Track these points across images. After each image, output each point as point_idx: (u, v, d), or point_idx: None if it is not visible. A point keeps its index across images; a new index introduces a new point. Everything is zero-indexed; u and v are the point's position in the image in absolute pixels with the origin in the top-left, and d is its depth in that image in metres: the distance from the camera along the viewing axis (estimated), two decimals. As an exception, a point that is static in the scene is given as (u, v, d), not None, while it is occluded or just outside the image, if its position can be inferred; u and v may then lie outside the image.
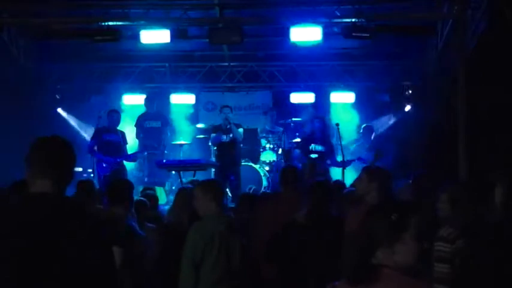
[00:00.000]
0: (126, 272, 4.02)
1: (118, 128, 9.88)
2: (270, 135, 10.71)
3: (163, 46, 9.25)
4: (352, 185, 6.13)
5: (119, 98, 11.73)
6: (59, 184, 2.40)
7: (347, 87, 11.69)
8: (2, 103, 9.04)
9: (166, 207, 8.00)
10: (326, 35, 8.72)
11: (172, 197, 9.90)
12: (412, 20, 9.50)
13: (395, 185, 5.60)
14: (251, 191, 9.39)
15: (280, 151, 10.43)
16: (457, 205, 3.89)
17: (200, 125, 11.17)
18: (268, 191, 9.13)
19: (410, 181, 5.54)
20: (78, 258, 2.25)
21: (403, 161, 9.58)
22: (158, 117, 10.91)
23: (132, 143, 10.51)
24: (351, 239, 4.32)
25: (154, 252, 4.79)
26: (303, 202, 4.91)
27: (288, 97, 11.85)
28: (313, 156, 9.39)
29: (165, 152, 10.63)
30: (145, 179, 10.17)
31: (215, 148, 10.11)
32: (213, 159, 10.05)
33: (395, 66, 11.38)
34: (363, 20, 8.81)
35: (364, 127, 10.76)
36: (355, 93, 11.65)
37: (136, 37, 8.84)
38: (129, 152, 10.03)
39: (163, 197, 9.98)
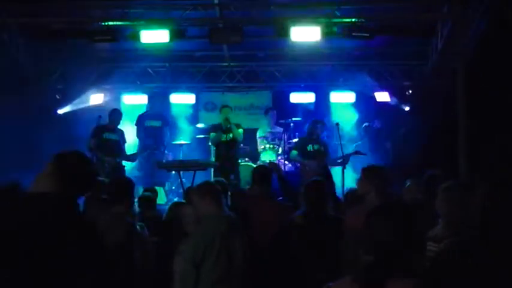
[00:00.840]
0: (127, 270, 4.02)
1: (118, 127, 9.90)
2: (270, 135, 10.70)
3: (163, 46, 9.25)
4: None
5: (119, 98, 11.75)
6: (62, 186, 2.41)
7: (347, 87, 11.71)
8: (1, 103, 9.03)
9: (167, 208, 8.00)
10: (326, 35, 8.72)
11: (172, 197, 9.96)
12: (412, 20, 9.50)
13: (396, 185, 5.62)
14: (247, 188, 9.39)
15: (280, 151, 10.43)
16: (450, 204, 3.89)
17: (200, 125, 11.17)
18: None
19: (409, 181, 5.54)
20: (73, 257, 2.25)
21: (402, 160, 9.59)
22: (158, 117, 10.93)
23: (132, 142, 10.53)
24: (351, 238, 4.32)
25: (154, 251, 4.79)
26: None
27: (288, 97, 11.86)
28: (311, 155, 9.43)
29: (165, 152, 10.64)
30: (145, 179, 10.17)
31: (215, 148, 10.11)
32: (213, 159, 10.04)
33: (395, 66, 11.38)
34: (363, 20, 8.81)
35: (365, 126, 10.81)
36: (355, 93, 11.66)
37: (136, 37, 8.83)
38: (128, 151, 10.04)
39: (163, 197, 9.99)
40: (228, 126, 9.79)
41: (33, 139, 9.44)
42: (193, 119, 11.87)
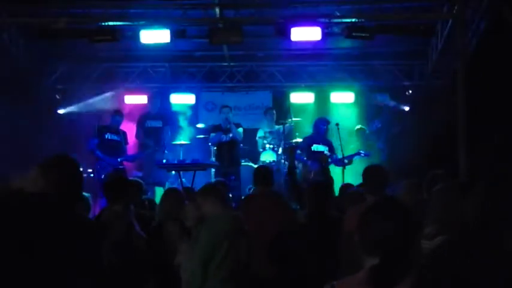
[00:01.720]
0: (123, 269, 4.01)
1: (120, 128, 9.91)
2: (270, 135, 10.70)
3: (163, 46, 9.25)
4: None
5: (119, 98, 11.74)
6: (55, 186, 2.42)
7: (347, 87, 11.70)
8: (1, 103, 9.03)
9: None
10: (326, 35, 8.72)
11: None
12: (412, 20, 9.50)
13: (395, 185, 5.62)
14: (251, 191, 9.39)
15: (280, 151, 10.42)
16: (443, 202, 3.90)
17: (200, 125, 11.16)
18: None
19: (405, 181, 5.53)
20: (66, 257, 2.25)
21: (402, 160, 9.58)
22: (159, 117, 10.92)
23: (132, 142, 10.53)
24: (351, 238, 4.32)
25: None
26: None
27: (288, 97, 11.86)
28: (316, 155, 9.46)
29: (165, 152, 10.64)
30: (145, 179, 10.17)
31: (215, 148, 10.11)
32: (213, 159, 10.04)
33: (395, 66, 11.38)
34: (363, 20, 8.81)
35: (357, 129, 10.85)
36: (355, 93, 11.66)
37: (136, 37, 8.83)
38: (129, 151, 10.05)
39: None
40: (228, 126, 9.79)
41: (33, 139, 9.43)
42: (193, 119, 11.86)
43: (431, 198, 3.96)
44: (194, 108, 12.05)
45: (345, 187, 6.97)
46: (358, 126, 10.97)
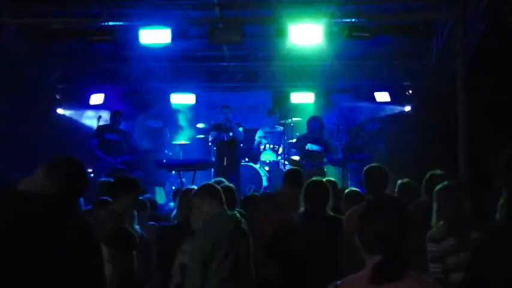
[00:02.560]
0: (122, 271, 4.01)
1: (119, 127, 9.92)
2: (270, 135, 10.71)
3: (163, 46, 9.25)
4: None
5: (119, 98, 11.75)
6: (57, 188, 2.43)
7: (346, 87, 11.70)
8: (1, 103, 9.03)
9: (166, 208, 8.02)
10: (326, 35, 8.71)
11: (171, 197, 9.95)
12: (412, 20, 9.49)
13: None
14: (251, 191, 9.40)
15: (280, 151, 10.43)
16: (448, 204, 3.90)
17: (200, 125, 11.17)
18: (267, 191, 9.17)
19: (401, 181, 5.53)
20: (67, 258, 2.25)
21: (402, 160, 9.58)
22: (159, 117, 10.93)
23: (132, 142, 10.54)
24: (350, 238, 4.32)
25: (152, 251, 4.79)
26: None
27: (288, 97, 11.86)
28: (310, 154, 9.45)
29: (165, 152, 10.64)
30: (145, 179, 10.18)
31: (215, 148, 10.11)
32: (213, 158, 10.05)
33: (395, 66, 11.37)
34: (363, 20, 8.80)
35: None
36: (355, 93, 11.66)
37: (136, 37, 8.83)
38: (129, 152, 10.06)
39: (163, 197, 10.00)
40: (228, 126, 9.80)
41: (33, 139, 9.43)
42: (193, 119, 11.87)
43: (438, 199, 3.96)
44: (194, 108, 12.05)
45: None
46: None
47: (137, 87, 11.82)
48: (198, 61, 11.52)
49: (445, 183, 4.05)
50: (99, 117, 9.71)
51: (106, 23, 8.81)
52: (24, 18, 9.05)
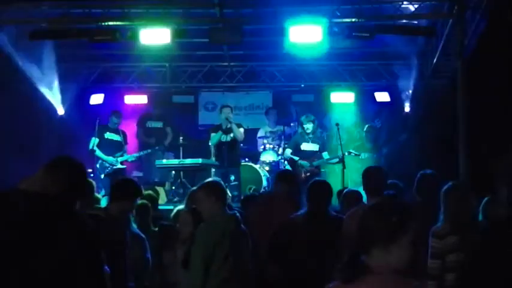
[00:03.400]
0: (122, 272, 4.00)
1: (119, 127, 9.92)
2: (270, 135, 10.70)
3: (163, 46, 9.25)
4: None
5: (119, 98, 11.75)
6: (57, 188, 2.43)
7: (347, 87, 11.71)
8: (1, 103, 9.04)
9: (166, 207, 8.01)
10: (326, 35, 8.71)
11: (172, 197, 9.95)
12: (412, 20, 9.49)
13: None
14: (251, 191, 9.40)
15: (280, 151, 10.43)
16: (450, 202, 3.91)
17: (200, 125, 11.17)
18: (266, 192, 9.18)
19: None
20: (67, 257, 2.26)
21: (402, 160, 9.59)
22: (159, 117, 10.93)
23: (132, 142, 10.54)
24: (349, 239, 4.33)
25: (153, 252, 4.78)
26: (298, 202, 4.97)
27: (288, 97, 11.86)
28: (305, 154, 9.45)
29: (165, 152, 10.65)
30: (145, 179, 10.18)
31: (215, 148, 10.11)
32: (213, 159, 10.04)
33: (395, 66, 11.37)
34: (363, 20, 8.80)
35: (368, 127, 10.84)
36: (355, 93, 11.67)
37: (136, 37, 8.83)
38: (128, 151, 10.06)
39: (163, 197, 9.99)
40: (229, 126, 9.79)
41: (33, 139, 9.44)
42: (193, 119, 11.87)
43: (442, 198, 3.97)
44: (194, 108, 12.05)
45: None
46: (368, 125, 10.99)
47: (137, 87, 11.83)
48: (198, 61, 11.52)
49: (451, 183, 4.06)
50: (99, 117, 9.70)
51: (106, 23, 8.81)
52: (24, 18, 9.05)
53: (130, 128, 10.72)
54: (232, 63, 11.50)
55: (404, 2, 8.97)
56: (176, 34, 8.76)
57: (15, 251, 2.24)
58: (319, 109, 11.74)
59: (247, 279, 4.34)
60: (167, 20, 8.85)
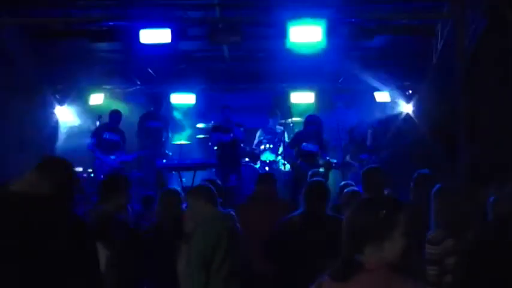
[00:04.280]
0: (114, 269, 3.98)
1: (118, 127, 9.92)
2: (270, 135, 10.70)
3: (163, 46, 9.24)
4: None
5: (119, 98, 11.76)
6: (48, 187, 2.44)
7: (346, 87, 11.71)
8: (1, 103, 9.04)
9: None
10: (326, 35, 8.71)
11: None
12: (412, 20, 9.49)
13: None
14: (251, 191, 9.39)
15: (280, 151, 10.43)
16: (445, 206, 3.90)
17: (200, 125, 11.16)
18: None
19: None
20: (62, 257, 2.26)
21: (402, 161, 9.58)
22: (159, 118, 10.93)
23: (132, 142, 10.54)
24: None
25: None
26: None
27: (288, 97, 11.86)
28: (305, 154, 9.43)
29: (165, 152, 10.65)
30: (145, 179, 10.18)
31: (215, 148, 10.11)
32: (214, 159, 10.05)
33: (395, 66, 11.37)
34: (363, 20, 8.80)
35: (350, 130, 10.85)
36: (355, 93, 11.67)
37: (136, 37, 8.83)
38: (128, 151, 10.06)
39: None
40: (229, 126, 9.80)
41: (32, 139, 9.43)
42: (193, 119, 11.87)
43: (436, 201, 3.96)
44: (194, 108, 12.05)
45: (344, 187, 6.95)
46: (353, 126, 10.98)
47: (137, 87, 11.83)
48: (198, 61, 11.52)
49: (439, 185, 4.04)
50: (99, 117, 9.70)
51: (106, 23, 8.80)
52: (24, 18, 9.05)
53: (129, 127, 10.71)
54: (232, 63, 11.49)
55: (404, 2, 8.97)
56: (176, 34, 8.75)
57: (11, 253, 2.24)
58: (319, 109, 11.73)
59: (246, 277, 4.34)
60: (167, 20, 8.85)
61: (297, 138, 9.74)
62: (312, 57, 10.48)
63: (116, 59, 10.98)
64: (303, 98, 11.87)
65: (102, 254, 3.64)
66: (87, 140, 9.83)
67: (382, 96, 11.61)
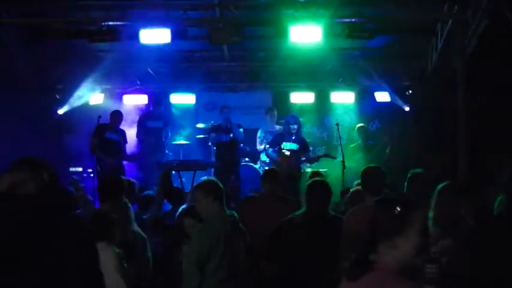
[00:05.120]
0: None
1: (119, 127, 9.92)
2: (270, 135, 10.69)
3: (163, 46, 9.25)
4: None
5: (119, 98, 11.75)
6: (44, 188, 2.42)
7: (347, 87, 11.71)
8: (1, 103, 9.04)
9: (166, 207, 8.00)
10: (326, 35, 8.71)
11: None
12: (412, 20, 9.49)
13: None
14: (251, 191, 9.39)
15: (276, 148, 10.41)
16: (440, 204, 3.90)
17: (200, 125, 11.16)
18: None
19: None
20: (60, 257, 2.25)
21: (402, 161, 9.58)
22: (159, 117, 10.93)
23: (132, 142, 10.53)
24: (350, 238, 4.33)
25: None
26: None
27: (288, 97, 11.86)
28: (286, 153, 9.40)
29: (165, 152, 10.65)
30: (145, 179, 10.17)
31: (215, 148, 10.11)
32: (213, 159, 10.04)
33: (395, 66, 11.38)
34: (363, 20, 8.80)
35: (359, 127, 10.82)
36: (355, 93, 11.67)
37: (136, 37, 8.83)
38: (128, 151, 10.05)
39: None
40: (229, 126, 9.79)
41: (33, 139, 9.43)
42: (193, 119, 11.87)
43: (433, 200, 3.96)
44: (194, 108, 12.05)
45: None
46: (359, 125, 10.95)
47: (137, 87, 11.83)
48: (198, 61, 11.52)
49: (441, 185, 4.04)
50: (99, 117, 9.70)
51: (106, 23, 8.81)
52: (24, 18, 9.05)
53: (129, 127, 10.70)
54: (232, 63, 11.50)
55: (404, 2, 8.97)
56: (176, 34, 8.75)
57: (11, 257, 2.23)
58: (319, 109, 11.74)
59: (243, 279, 4.33)
60: (167, 20, 8.85)
61: (276, 140, 9.69)
62: (312, 57, 10.51)
63: (116, 59, 10.98)
64: (303, 98, 11.87)
65: (104, 255, 3.65)
66: (88, 140, 9.81)
67: (382, 96, 11.61)
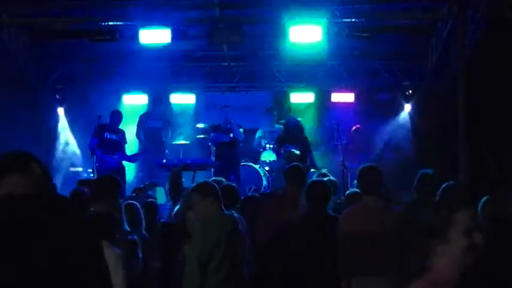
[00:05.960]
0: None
1: (119, 127, 9.92)
2: (270, 135, 10.70)
3: (163, 46, 9.25)
4: None
5: (119, 98, 11.74)
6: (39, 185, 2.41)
7: (347, 87, 11.71)
8: (1, 103, 9.04)
9: (166, 207, 8.01)
10: (326, 35, 8.72)
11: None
12: (412, 20, 9.50)
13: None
14: (251, 191, 9.39)
15: (282, 150, 10.42)
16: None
17: (200, 125, 11.15)
18: (267, 191, 9.16)
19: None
20: (64, 258, 2.25)
21: (402, 161, 9.58)
22: (159, 117, 10.92)
23: (132, 142, 10.53)
24: (346, 238, 4.35)
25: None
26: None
27: (288, 97, 11.86)
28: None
29: (165, 152, 10.64)
30: (145, 179, 10.18)
31: (215, 148, 10.11)
32: (213, 159, 10.04)
33: (395, 66, 11.37)
34: (363, 20, 8.80)
35: (354, 129, 10.82)
36: (355, 93, 11.66)
37: (136, 37, 8.83)
38: (128, 151, 10.05)
39: (163, 197, 9.99)
40: (229, 126, 9.79)
41: (33, 139, 9.43)
42: (193, 119, 11.86)
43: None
44: (194, 108, 12.05)
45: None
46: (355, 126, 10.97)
47: (137, 87, 11.82)
48: (198, 61, 11.51)
49: (448, 183, 4.05)
50: (99, 117, 9.69)
51: (106, 23, 8.80)
52: (24, 18, 9.05)
53: (129, 127, 10.69)
54: (232, 63, 11.49)
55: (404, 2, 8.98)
56: (176, 34, 8.75)
57: (12, 256, 2.23)
58: (319, 109, 11.73)
59: (243, 280, 4.33)
60: (167, 20, 8.85)
61: (278, 143, 9.65)
62: (312, 57, 10.51)
63: (116, 59, 10.98)
64: (302, 98, 11.87)
65: (108, 254, 3.64)
66: (88, 140, 9.81)
67: (381, 96, 11.60)
